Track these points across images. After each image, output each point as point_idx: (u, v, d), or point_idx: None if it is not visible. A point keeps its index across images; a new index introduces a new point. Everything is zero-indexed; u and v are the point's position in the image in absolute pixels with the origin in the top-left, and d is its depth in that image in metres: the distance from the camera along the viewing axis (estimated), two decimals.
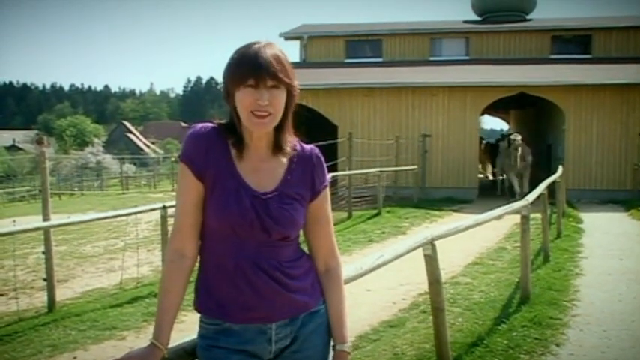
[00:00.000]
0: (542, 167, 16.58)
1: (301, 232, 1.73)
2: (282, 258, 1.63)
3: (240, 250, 1.59)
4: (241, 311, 1.59)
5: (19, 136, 59.50)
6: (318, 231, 1.74)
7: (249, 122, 1.58)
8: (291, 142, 1.69)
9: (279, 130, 1.64)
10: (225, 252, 1.60)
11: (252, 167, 1.64)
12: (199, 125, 1.67)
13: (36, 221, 6.42)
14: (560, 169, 10.73)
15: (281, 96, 1.58)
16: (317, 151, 1.76)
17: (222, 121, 1.69)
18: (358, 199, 13.28)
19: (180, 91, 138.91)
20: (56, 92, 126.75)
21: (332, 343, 1.72)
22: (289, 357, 1.66)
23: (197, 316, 1.67)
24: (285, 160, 1.68)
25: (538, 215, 7.91)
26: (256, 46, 1.59)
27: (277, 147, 1.66)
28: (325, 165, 1.76)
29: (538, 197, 6.85)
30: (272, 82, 1.55)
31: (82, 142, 50.88)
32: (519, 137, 14.26)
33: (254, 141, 1.64)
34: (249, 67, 1.55)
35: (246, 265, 1.58)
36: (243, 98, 1.56)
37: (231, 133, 1.64)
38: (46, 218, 6.03)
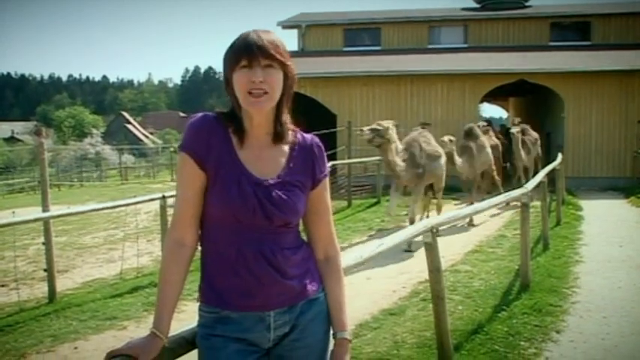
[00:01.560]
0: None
1: (301, 222, 1.73)
2: (283, 245, 1.63)
3: (241, 237, 1.59)
4: (240, 299, 1.59)
5: (18, 128, 59.33)
6: (317, 220, 1.75)
7: (246, 102, 1.57)
8: (291, 128, 1.69)
9: (277, 115, 1.64)
10: (227, 240, 1.60)
11: (254, 155, 1.64)
12: (199, 114, 1.67)
13: (35, 212, 6.40)
14: (559, 157, 10.72)
15: (277, 75, 1.58)
16: (317, 140, 1.76)
17: (223, 110, 1.69)
18: (357, 188, 13.28)
19: (178, 81, 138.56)
20: (54, 83, 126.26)
21: (332, 332, 1.72)
22: (289, 345, 1.66)
23: (197, 305, 1.67)
24: (286, 148, 1.68)
25: (538, 203, 7.91)
26: (251, 30, 1.60)
27: (276, 131, 1.65)
28: (325, 154, 1.77)
29: (538, 185, 6.85)
30: (266, 62, 1.55)
31: (80, 133, 50.66)
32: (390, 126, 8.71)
33: (254, 128, 1.64)
34: (241, 48, 1.56)
35: (247, 252, 1.58)
36: (239, 79, 1.56)
37: (232, 121, 1.64)
38: (45, 209, 6.03)
